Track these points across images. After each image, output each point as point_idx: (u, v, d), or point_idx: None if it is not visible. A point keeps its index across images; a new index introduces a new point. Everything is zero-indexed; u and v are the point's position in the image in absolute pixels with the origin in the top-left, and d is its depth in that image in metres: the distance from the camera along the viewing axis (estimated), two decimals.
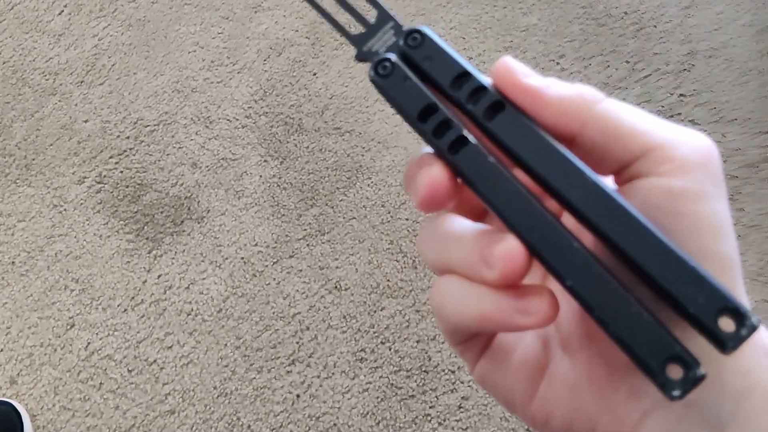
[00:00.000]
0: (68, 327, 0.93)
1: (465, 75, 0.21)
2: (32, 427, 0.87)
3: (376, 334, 0.89)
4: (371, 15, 0.24)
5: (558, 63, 1.04)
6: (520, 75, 0.21)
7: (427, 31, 0.22)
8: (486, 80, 0.21)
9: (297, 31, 1.09)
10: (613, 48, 1.05)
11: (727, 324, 0.18)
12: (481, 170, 0.20)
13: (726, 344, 0.18)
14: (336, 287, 0.92)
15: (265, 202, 0.97)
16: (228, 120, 1.03)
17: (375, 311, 0.90)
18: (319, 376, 0.88)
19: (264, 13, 1.11)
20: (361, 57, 0.23)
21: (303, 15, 1.10)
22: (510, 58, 0.21)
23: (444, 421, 0.85)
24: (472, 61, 1.05)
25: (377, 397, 0.86)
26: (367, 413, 0.86)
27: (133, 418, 0.88)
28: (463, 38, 1.07)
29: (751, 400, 0.19)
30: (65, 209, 0.99)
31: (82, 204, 0.99)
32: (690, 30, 1.05)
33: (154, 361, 0.90)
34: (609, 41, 1.06)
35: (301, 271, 0.93)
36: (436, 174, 0.21)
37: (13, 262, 0.97)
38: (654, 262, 0.18)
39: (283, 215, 0.97)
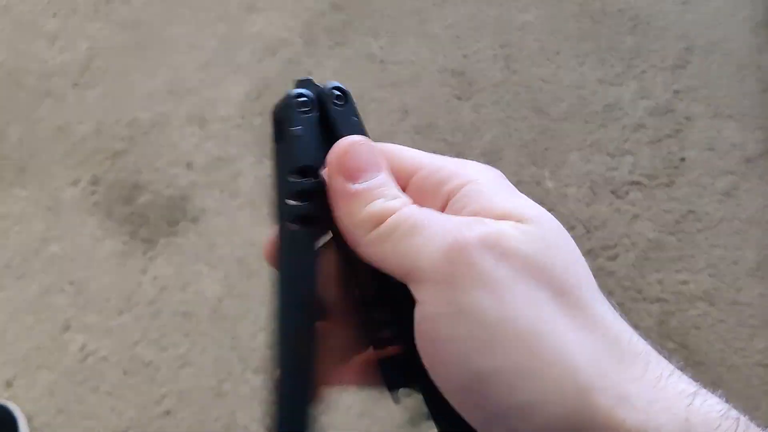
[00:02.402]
0: (64, 329, 0.93)
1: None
2: (28, 429, 0.87)
3: None
4: None
5: (554, 61, 1.04)
6: None
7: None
8: None
9: (291, 30, 1.09)
10: (610, 45, 1.05)
11: None
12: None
13: None
14: None
15: (260, 202, 0.97)
16: (223, 120, 1.03)
17: None
18: None
19: (258, 14, 1.10)
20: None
21: (297, 15, 1.10)
22: None
23: None
24: (467, 59, 1.05)
25: (374, 397, 0.86)
26: (364, 413, 0.85)
27: (129, 419, 0.88)
28: (458, 37, 1.06)
29: None
30: (60, 211, 0.99)
31: (76, 206, 0.99)
32: (687, 26, 1.05)
33: (150, 362, 0.90)
34: (605, 38, 1.05)
35: None
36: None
37: (8, 265, 0.97)
38: None
39: None
